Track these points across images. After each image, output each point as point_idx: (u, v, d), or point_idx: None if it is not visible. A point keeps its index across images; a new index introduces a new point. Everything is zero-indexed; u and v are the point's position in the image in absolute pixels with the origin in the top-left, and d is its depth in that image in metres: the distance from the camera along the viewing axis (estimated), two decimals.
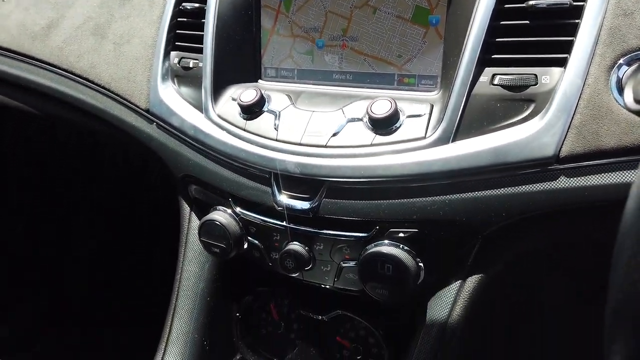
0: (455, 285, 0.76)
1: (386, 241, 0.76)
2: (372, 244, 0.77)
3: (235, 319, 1.00)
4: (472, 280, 0.75)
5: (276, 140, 0.81)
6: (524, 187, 0.68)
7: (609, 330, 0.33)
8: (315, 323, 0.95)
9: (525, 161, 0.67)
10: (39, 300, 1.77)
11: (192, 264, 0.97)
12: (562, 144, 0.65)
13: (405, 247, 0.76)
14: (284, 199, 0.82)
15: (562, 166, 0.66)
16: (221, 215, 0.88)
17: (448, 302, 0.76)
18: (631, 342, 0.31)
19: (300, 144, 0.79)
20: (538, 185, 0.67)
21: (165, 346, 0.93)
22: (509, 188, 0.69)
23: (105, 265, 1.80)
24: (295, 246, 0.83)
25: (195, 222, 0.97)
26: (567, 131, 0.65)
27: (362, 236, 0.78)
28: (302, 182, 0.80)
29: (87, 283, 1.81)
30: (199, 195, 0.96)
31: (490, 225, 0.71)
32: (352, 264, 0.80)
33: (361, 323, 0.92)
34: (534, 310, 0.93)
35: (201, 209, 0.96)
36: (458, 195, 0.71)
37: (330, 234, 0.80)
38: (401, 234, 0.75)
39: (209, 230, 0.88)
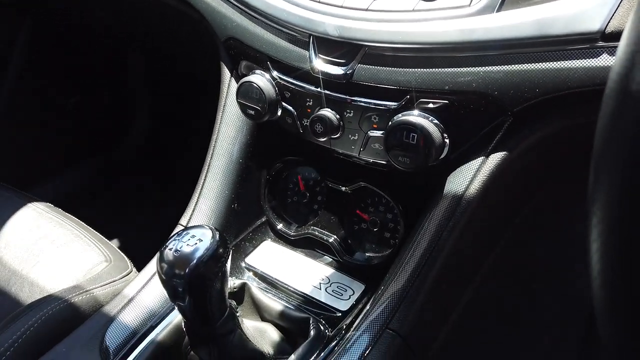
0: (477, 161, 0.77)
1: (415, 111, 0.77)
2: (401, 114, 0.78)
3: (264, 182, 1.05)
4: (494, 158, 0.76)
5: (318, 2, 0.81)
6: (563, 62, 0.67)
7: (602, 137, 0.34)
8: (338, 196, 1.00)
9: (569, 35, 0.65)
10: (95, 163, 1.95)
11: (228, 126, 1.01)
12: (611, 19, 0.63)
13: (434, 120, 0.77)
14: (320, 63, 0.83)
15: (606, 43, 0.64)
16: (259, 79, 0.91)
17: (467, 178, 0.78)
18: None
19: (341, 7, 0.79)
20: (578, 61, 0.66)
21: (198, 198, 1.00)
22: (547, 63, 0.68)
23: (151, 129, 1.94)
24: (326, 112, 0.85)
25: (234, 87, 1.00)
26: (618, 6, 0.63)
27: (391, 105, 0.79)
28: (340, 46, 0.80)
29: (134, 147, 1.97)
30: (243, 69, 0.98)
31: (522, 102, 0.71)
32: (379, 133, 0.82)
33: (382, 198, 0.96)
34: (550, 202, 0.94)
35: (241, 75, 0.99)
36: (493, 67, 0.71)
37: (361, 101, 0.82)
38: (431, 105, 0.76)
39: (246, 92, 0.92)
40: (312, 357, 0.79)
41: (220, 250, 0.69)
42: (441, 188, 0.80)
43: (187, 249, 0.68)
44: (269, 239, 1.05)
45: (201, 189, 1.00)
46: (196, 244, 0.69)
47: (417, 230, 0.80)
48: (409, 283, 0.78)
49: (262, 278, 0.97)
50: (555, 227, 1.03)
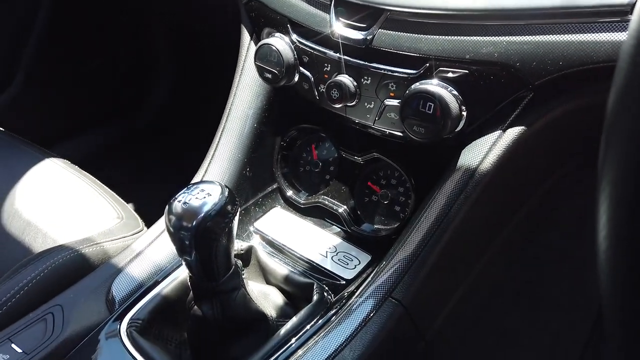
0: (494, 135, 0.76)
1: (434, 81, 0.76)
2: (419, 82, 0.77)
3: (278, 149, 1.05)
4: (511, 133, 0.74)
5: None
6: (590, 35, 0.65)
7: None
8: (350, 166, 0.99)
9: (599, 6, 0.63)
10: (115, 125, 1.98)
11: (245, 90, 1.01)
12: None
13: (453, 91, 0.75)
14: (340, 27, 0.82)
15: None
16: (277, 42, 0.90)
17: (482, 152, 0.76)
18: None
19: None
20: (606, 35, 0.64)
21: (210, 160, 1.00)
22: (574, 35, 0.65)
23: (171, 95, 1.96)
24: (344, 78, 0.84)
25: (253, 51, 0.99)
26: None
27: (410, 73, 0.78)
28: (361, 10, 0.79)
29: (154, 111, 2.00)
30: (265, 36, 0.97)
31: (544, 75, 0.69)
32: (395, 102, 0.81)
33: (395, 171, 0.95)
34: (568, 185, 0.92)
35: (260, 38, 0.98)
36: (517, 37, 0.69)
37: (379, 68, 0.81)
38: (450, 74, 0.75)
39: (264, 54, 0.91)
40: (314, 321, 0.79)
41: (228, 207, 0.69)
42: (455, 161, 0.79)
43: (195, 202, 0.69)
44: (279, 206, 1.05)
45: (214, 151, 1.01)
46: (205, 197, 0.69)
47: (427, 201, 0.79)
48: (416, 253, 0.77)
49: (270, 243, 0.97)
50: (570, 212, 1.01)
